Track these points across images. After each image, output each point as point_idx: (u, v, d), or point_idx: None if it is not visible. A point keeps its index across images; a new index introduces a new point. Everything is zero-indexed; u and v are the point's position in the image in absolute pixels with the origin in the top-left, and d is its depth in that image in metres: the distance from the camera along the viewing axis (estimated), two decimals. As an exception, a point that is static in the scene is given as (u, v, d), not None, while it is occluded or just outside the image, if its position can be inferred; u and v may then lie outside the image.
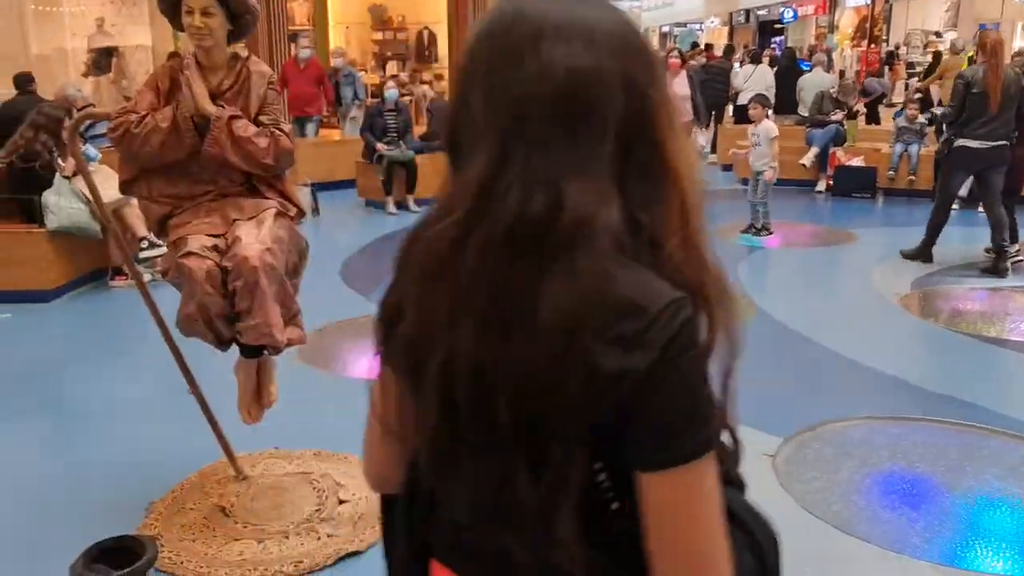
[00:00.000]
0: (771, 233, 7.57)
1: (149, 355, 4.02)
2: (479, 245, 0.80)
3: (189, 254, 2.67)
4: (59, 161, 5.73)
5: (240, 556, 2.80)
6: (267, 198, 2.90)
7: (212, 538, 2.90)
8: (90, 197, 3.32)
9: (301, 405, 3.67)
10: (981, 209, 7.06)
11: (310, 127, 10.28)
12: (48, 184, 5.73)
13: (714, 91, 11.47)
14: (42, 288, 5.69)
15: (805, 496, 3.18)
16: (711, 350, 0.83)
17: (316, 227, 7.96)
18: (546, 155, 0.80)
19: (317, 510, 3.06)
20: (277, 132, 2.83)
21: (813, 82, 10.55)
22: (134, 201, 4.63)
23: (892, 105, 13.26)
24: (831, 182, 9.71)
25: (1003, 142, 6.19)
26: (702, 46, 16.37)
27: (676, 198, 0.84)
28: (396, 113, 8.96)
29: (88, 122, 5.54)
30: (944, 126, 6.77)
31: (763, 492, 1.05)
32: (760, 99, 7.77)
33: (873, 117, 11.91)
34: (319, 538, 2.89)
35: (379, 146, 8.82)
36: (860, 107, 11.38)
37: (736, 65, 13.07)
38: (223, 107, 2.78)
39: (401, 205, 8.95)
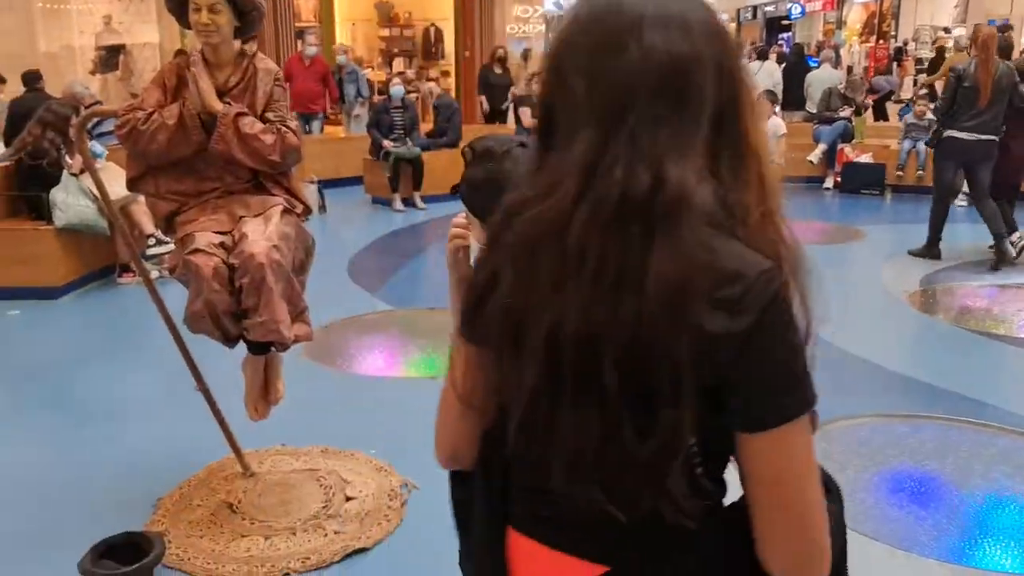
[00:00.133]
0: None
1: (157, 352, 4.03)
2: (586, 218, 0.86)
3: (196, 251, 2.67)
4: (67, 158, 5.75)
5: (247, 552, 2.81)
6: (274, 195, 2.90)
7: (219, 534, 2.91)
8: (97, 194, 3.32)
9: (308, 402, 3.68)
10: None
11: (315, 124, 10.29)
12: (56, 181, 5.75)
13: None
14: (50, 285, 5.71)
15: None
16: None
17: (323, 224, 7.97)
18: (650, 135, 0.86)
19: (324, 506, 3.07)
20: (284, 129, 2.83)
21: (821, 78, 10.52)
22: (141, 198, 4.66)
23: (900, 101, 13.20)
24: (839, 179, 9.68)
25: (991, 137, 6.26)
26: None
27: (756, 177, 0.90)
28: (403, 110, 8.96)
29: (95, 119, 5.56)
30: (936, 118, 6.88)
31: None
32: (767, 95, 7.75)
33: (880, 113, 11.86)
34: (326, 535, 2.89)
35: (385, 143, 8.82)
36: (868, 102, 11.34)
37: (743, 61, 13.01)
38: (230, 104, 2.78)
39: (407, 202, 8.95)
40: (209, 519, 2.99)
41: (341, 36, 13.30)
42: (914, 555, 2.81)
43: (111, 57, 12.85)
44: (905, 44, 18.31)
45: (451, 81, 13.96)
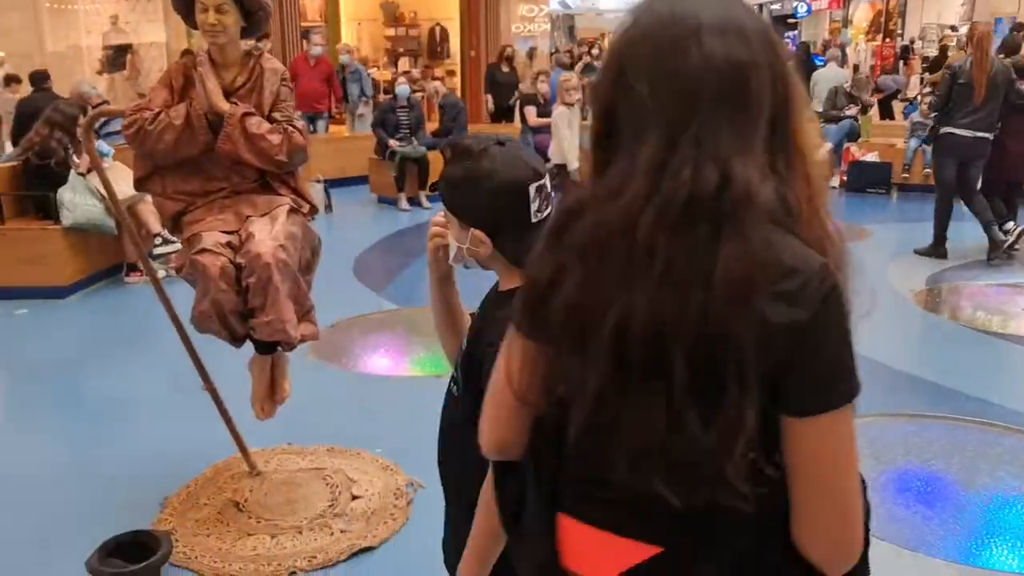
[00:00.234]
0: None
1: (164, 351, 4.04)
2: (655, 216, 0.89)
3: (203, 251, 2.68)
4: (74, 158, 5.77)
5: (254, 551, 2.82)
6: (280, 195, 2.91)
7: (226, 533, 2.92)
8: (105, 194, 3.34)
9: (314, 401, 3.69)
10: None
11: (320, 124, 10.30)
12: (63, 181, 5.77)
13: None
14: (58, 284, 5.73)
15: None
16: None
17: (329, 223, 7.98)
18: (714, 137, 0.90)
19: (330, 505, 3.07)
20: (290, 129, 2.84)
21: (827, 77, 10.48)
22: (148, 198, 4.66)
23: (906, 100, 13.15)
24: (845, 178, 9.65)
25: (985, 134, 6.28)
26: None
27: (804, 176, 0.95)
28: (408, 109, 8.96)
29: (102, 119, 5.59)
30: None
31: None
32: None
33: (887, 112, 11.82)
34: (332, 533, 2.90)
35: (391, 142, 8.82)
36: (873, 101, 11.30)
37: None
38: (236, 104, 2.79)
39: (413, 201, 8.96)
40: (216, 518, 3.00)
41: (347, 36, 13.31)
42: (920, 554, 2.81)
43: (118, 57, 12.89)
44: (912, 42, 18.23)
45: (456, 80, 13.96)
